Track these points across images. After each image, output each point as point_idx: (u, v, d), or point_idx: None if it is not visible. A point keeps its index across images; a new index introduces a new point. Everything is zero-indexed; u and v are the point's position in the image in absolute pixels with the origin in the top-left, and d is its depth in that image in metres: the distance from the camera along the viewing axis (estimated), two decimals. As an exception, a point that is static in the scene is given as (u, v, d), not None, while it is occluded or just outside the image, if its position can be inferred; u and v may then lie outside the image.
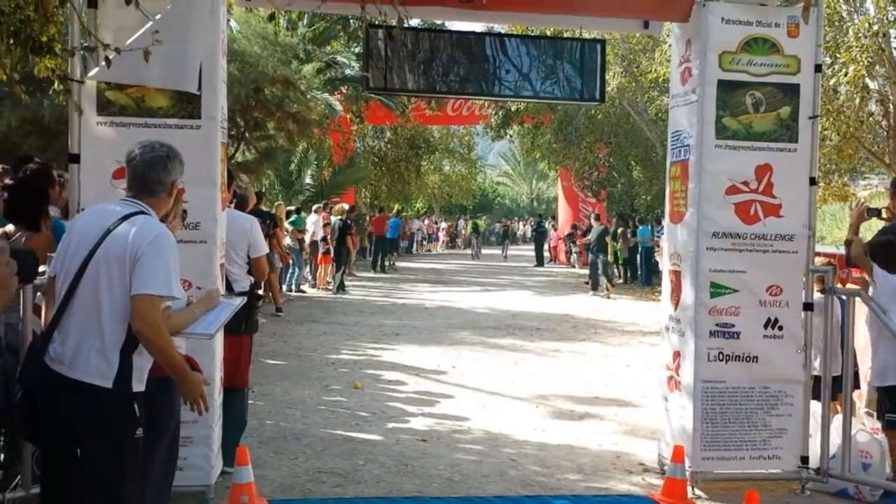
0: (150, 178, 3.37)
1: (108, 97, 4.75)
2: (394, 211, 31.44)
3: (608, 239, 21.25)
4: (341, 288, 19.01)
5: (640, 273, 22.90)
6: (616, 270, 23.64)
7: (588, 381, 9.40)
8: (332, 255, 19.51)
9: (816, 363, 5.93)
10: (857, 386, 6.62)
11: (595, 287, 20.25)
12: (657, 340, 8.63)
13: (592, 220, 21.84)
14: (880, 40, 13.20)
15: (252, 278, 5.76)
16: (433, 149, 36.41)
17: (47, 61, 5.00)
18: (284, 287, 17.39)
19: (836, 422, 5.73)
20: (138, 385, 3.22)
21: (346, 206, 21.85)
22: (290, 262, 17.61)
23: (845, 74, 12.07)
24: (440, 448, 6.51)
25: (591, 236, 21.03)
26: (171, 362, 3.19)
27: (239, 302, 4.29)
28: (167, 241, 3.23)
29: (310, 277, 19.13)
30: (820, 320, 5.84)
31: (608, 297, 19.22)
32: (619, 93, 20.31)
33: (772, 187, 5.60)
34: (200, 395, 3.34)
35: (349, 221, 20.26)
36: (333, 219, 19.60)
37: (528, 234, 51.78)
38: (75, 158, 4.68)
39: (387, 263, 26.65)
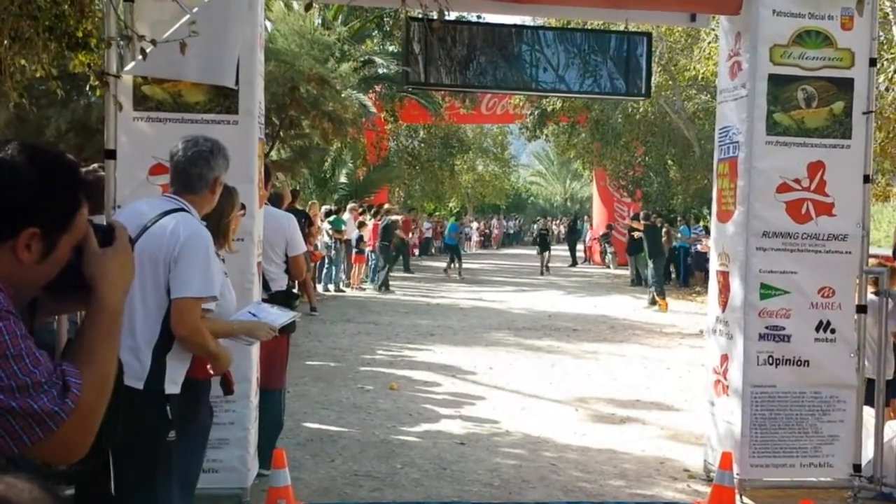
0: (191, 173, 3.29)
1: (144, 92, 4.68)
2: (449, 213, 31.33)
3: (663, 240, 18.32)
4: (385, 286, 18.96)
5: (679, 274, 22.54)
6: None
7: (628, 383, 9.22)
8: (365, 254, 19.57)
9: (869, 367, 5.72)
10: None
11: (655, 300, 16.87)
12: (697, 342, 8.40)
13: (643, 219, 18.60)
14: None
15: (287, 277, 5.67)
16: (467, 148, 36.36)
17: (83, 56, 4.94)
18: (320, 286, 17.39)
19: (888, 428, 5.52)
20: (172, 387, 3.13)
21: (388, 207, 21.94)
22: (324, 260, 17.65)
23: (894, 72, 11.73)
24: (479, 451, 6.38)
25: (645, 240, 17.96)
26: (212, 355, 3.25)
27: (288, 318, 4.06)
28: (201, 239, 3.13)
29: (344, 277, 19.10)
30: (873, 323, 5.63)
31: (664, 310, 16.35)
32: (656, 91, 20.03)
33: (824, 185, 5.39)
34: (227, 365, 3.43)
35: (396, 221, 20.36)
36: (348, 215, 19.64)
37: (562, 233, 51.54)
38: (111, 154, 4.61)
39: (455, 272, 23.90)
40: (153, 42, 4.03)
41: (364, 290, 19.14)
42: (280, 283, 5.49)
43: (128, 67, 4.55)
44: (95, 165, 5.00)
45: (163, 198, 3.31)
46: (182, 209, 3.21)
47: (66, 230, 1.61)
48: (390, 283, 19.57)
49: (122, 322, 1.77)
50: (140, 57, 4.10)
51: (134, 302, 3.01)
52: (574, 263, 30.86)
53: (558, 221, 55.86)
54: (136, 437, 2.99)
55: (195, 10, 4.34)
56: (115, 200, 4.62)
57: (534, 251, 38.35)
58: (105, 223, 1.83)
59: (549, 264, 27.01)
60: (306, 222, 13.22)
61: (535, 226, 49.18)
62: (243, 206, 4.11)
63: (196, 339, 3.10)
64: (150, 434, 3.02)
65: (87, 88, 5.65)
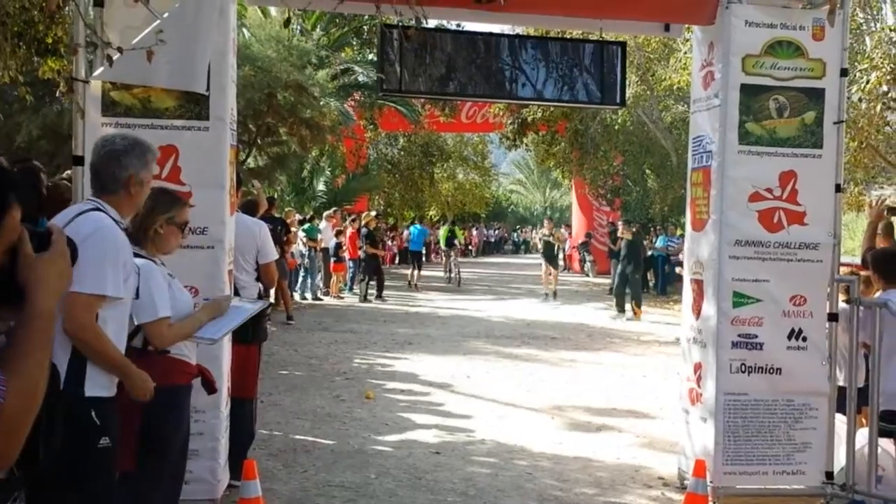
0: (103, 173, 3.19)
1: (113, 97, 4.63)
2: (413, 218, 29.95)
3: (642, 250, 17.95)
4: (365, 297, 18.71)
5: (657, 282, 22.62)
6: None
7: (604, 391, 9.22)
8: (344, 262, 19.43)
9: (841, 375, 5.75)
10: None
11: (621, 309, 16.79)
12: (674, 350, 8.40)
13: (622, 229, 17.88)
14: (899, 48, 13.01)
15: (261, 285, 5.62)
16: (447, 156, 36.35)
17: (52, 62, 4.88)
18: (297, 295, 17.30)
19: (860, 435, 5.54)
20: (97, 390, 3.02)
21: (374, 214, 21.72)
22: (299, 268, 17.56)
23: (867, 82, 11.85)
24: (454, 460, 6.35)
25: (622, 249, 17.41)
26: (109, 363, 3.05)
27: (257, 307, 4.19)
28: (106, 236, 3.02)
29: (321, 285, 19.00)
30: (844, 331, 5.66)
31: (637, 320, 16.24)
32: (634, 101, 20.13)
33: (796, 194, 5.43)
34: (147, 390, 3.26)
35: (384, 227, 20.11)
36: (325, 223, 19.37)
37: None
38: (80, 160, 4.55)
39: (410, 281, 22.83)
40: (120, 49, 3.99)
41: (342, 298, 19.06)
42: (251, 291, 5.42)
43: (96, 73, 4.49)
44: (68, 173, 4.94)
45: (84, 201, 3.24)
46: (97, 209, 3.12)
47: None
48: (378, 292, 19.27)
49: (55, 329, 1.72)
50: (106, 64, 4.06)
51: None
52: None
53: (538, 231, 56.04)
54: (64, 445, 2.93)
55: (165, 15, 4.30)
56: (83, 208, 4.56)
57: (515, 259, 38.11)
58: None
59: (558, 287, 20.63)
60: (283, 230, 13.17)
61: (515, 234, 48.39)
62: (186, 224, 4.02)
63: (83, 336, 2.96)
64: (78, 441, 2.86)
65: (57, 94, 5.57)
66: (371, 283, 19.05)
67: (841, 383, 5.68)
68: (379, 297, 18.76)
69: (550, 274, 20.40)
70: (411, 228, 26.43)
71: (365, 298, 18.65)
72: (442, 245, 26.40)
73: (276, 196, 18.46)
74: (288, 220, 15.28)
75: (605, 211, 28.64)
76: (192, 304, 3.80)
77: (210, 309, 3.80)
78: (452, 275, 24.26)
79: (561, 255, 27.28)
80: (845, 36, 5.55)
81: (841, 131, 5.53)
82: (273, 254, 5.66)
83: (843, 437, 5.50)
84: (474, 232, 50.99)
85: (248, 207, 6.28)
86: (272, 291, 12.61)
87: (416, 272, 22.89)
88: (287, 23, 6.39)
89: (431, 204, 41.47)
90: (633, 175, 26.17)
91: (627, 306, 16.72)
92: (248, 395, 5.49)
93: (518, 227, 57.18)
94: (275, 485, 5.50)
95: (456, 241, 26.23)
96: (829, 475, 5.48)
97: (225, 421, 4.90)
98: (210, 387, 3.88)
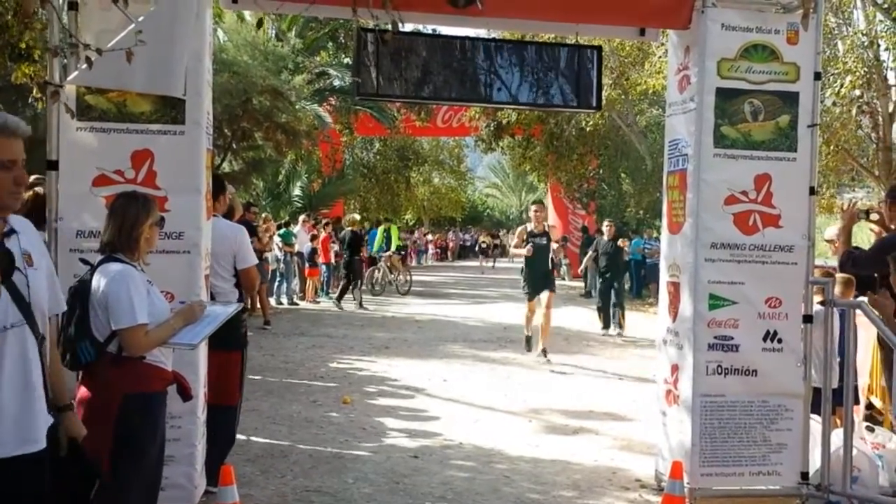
0: None
1: (87, 101, 4.57)
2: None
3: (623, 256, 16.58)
4: (360, 304, 18.27)
5: (632, 285, 22.73)
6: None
7: (581, 394, 9.25)
8: (318, 266, 19.27)
9: (816, 376, 5.80)
10: (857, 401, 6.52)
11: (607, 324, 15.26)
12: (650, 353, 8.41)
13: (605, 231, 16.14)
14: (870, 52, 13.21)
15: (237, 292, 5.48)
16: (423, 160, 36.41)
17: (25, 68, 4.83)
18: (273, 299, 17.21)
19: (835, 436, 5.60)
20: None
21: (357, 217, 21.40)
22: (275, 274, 17.44)
23: (842, 86, 12.01)
24: (432, 465, 6.34)
25: (599, 251, 15.83)
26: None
27: (231, 309, 4.19)
28: None
29: (297, 290, 18.88)
30: (820, 333, 5.72)
31: (621, 335, 14.89)
32: (609, 105, 20.24)
33: (771, 197, 5.48)
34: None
35: (361, 233, 19.53)
36: (300, 227, 19.03)
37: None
38: (54, 165, 4.50)
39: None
40: (98, 51, 3.94)
41: (319, 303, 18.97)
42: (229, 297, 5.28)
43: (71, 77, 4.44)
44: (37, 177, 4.87)
45: None
46: None
47: None
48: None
49: None
50: (84, 66, 4.00)
51: None
52: None
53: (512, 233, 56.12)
54: None
55: (141, 18, 4.26)
56: (57, 213, 4.51)
57: (489, 263, 37.92)
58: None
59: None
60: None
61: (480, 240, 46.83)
62: (162, 220, 4.00)
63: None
64: None
65: (31, 100, 5.51)
66: (352, 286, 18.70)
67: (816, 384, 5.75)
68: (359, 301, 18.57)
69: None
70: (370, 232, 24.76)
71: (361, 305, 18.19)
72: (374, 250, 21.78)
73: (252, 201, 18.30)
74: (265, 226, 15.19)
75: (580, 214, 28.76)
76: (168, 311, 3.77)
77: (184, 314, 3.78)
78: (395, 282, 22.01)
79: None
80: (819, 40, 5.60)
81: (815, 134, 5.59)
82: (252, 258, 5.53)
83: (819, 437, 5.56)
84: (450, 235, 51.08)
85: (226, 212, 6.20)
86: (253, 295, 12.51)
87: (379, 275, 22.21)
88: (259, 24, 6.37)
89: (408, 208, 41.52)
90: (608, 178, 26.32)
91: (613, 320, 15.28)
92: (230, 401, 5.38)
93: (493, 230, 57.19)
94: (252, 490, 5.46)
95: (392, 244, 22.56)
96: (805, 476, 5.53)
97: (202, 427, 4.85)
98: (185, 394, 3.85)
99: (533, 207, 12.16)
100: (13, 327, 2.70)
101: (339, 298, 18.21)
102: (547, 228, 11.66)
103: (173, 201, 4.56)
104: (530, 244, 11.15)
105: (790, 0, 5.44)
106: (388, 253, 22.06)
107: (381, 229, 22.53)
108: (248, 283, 5.56)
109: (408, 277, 22.69)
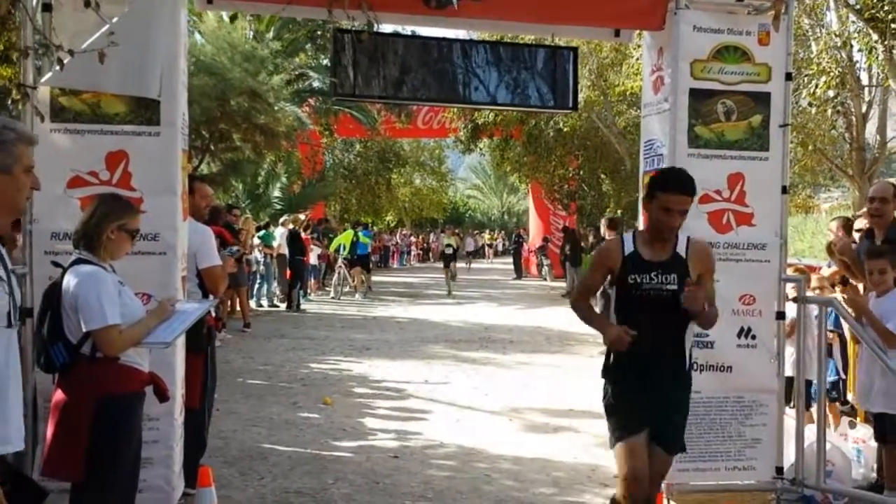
0: None
1: (62, 103, 4.56)
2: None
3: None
4: (298, 306, 17.64)
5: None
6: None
7: (562, 393, 9.30)
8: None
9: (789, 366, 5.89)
10: (843, 397, 6.64)
11: None
12: (630, 352, 8.33)
13: (605, 230, 14.27)
14: (844, 53, 13.36)
15: (199, 292, 5.23)
16: (403, 162, 36.38)
17: (3, 70, 4.80)
18: (253, 302, 17.15)
19: (809, 431, 5.68)
20: None
21: (302, 217, 20.96)
22: (255, 275, 17.34)
23: (816, 87, 12.13)
24: (412, 464, 6.36)
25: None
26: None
27: (205, 306, 4.19)
28: None
29: (277, 292, 18.80)
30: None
31: None
32: (587, 106, 20.33)
33: (744, 196, 5.54)
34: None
35: (298, 231, 18.69)
36: (282, 229, 18.31)
37: (500, 247, 51.94)
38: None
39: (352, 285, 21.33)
40: (71, 52, 3.94)
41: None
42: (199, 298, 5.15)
43: (45, 78, 4.43)
44: None
45: None
46: None
47: None
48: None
49: None
50: (58, 67, 4.01)
51: None
52: (519, 276, 30.86)
53: (495, 235, 56.25)
54: None
55: (115, 19, 4.26)
56: (31, 215, 4.50)
57: (470, 265, 37.92)
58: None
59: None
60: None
61: (471, 240, 46.88)
62: (137, 230, 3.88)
63: None
64: None
65: (10, 102, 5.49)
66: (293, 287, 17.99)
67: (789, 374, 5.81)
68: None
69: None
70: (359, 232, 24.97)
71: (298, 307, 17.59)
72: (342, 255, 21.07)
73: (232, 203, 18.22)
74: (245, 227, 15.13)
75: (561, 215, 28.84)
76: (142, 311, 3.78)
77: (157, 313, 3.78)
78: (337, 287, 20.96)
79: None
80: (790, 41, 5.67)
81: (786, 134, 5.65)
82: (213, 258, 5.28)
83: (793, 432, 5.63)
84: (432, 237, 51.06)
85: (213, 215, 6.13)
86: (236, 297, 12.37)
87: (366, 275, 22.29)
88: (233, 19, 6.33)
89: (389, 210, 41.49)
90: (587, 179, 26.42)
91: None
92: (192, 404, 5.17)
93: (475, 231, 57.16)
94: (231, 492, 5.46)
95: (356, 249, 21.17)
96: (780, 470, 5.60)
97: (179, 429, 4.83)
98: (162, 395, 3.85)
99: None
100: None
101: (290, 303, 17.61)
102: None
103: (149, 202, 4.56)
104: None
105: (761, 2, 5.50)
106: (342, 255, 21.10)
107: (347, 233, 21.77)
108: (211, 283, 5.27)
109: (362, 285, 21.79)
